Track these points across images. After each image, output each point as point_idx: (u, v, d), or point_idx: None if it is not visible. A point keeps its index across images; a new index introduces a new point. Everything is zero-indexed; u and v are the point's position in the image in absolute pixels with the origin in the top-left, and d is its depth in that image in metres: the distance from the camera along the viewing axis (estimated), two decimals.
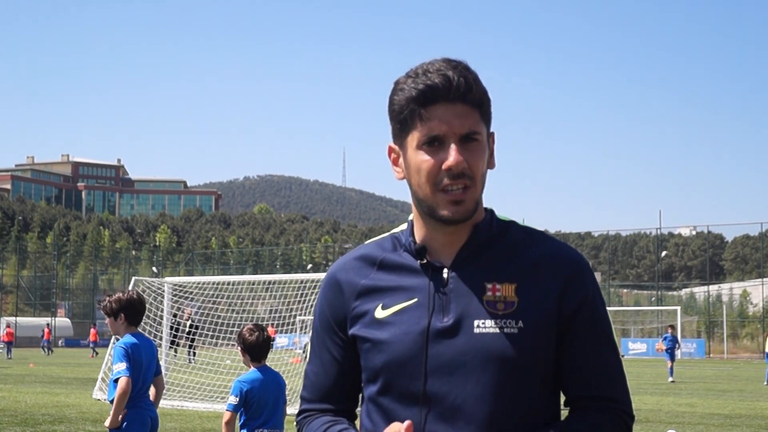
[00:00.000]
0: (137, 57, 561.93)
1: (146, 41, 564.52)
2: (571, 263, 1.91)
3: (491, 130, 1.95)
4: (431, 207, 1.86)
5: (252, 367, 6.10)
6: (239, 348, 6.16)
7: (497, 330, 1.83)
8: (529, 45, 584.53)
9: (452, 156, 1.81)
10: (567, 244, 1.97)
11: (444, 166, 1.82)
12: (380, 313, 1.91)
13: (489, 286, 1.87)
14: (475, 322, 1.84)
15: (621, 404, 1.90)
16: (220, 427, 6.03)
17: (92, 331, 51.46)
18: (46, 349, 50.20)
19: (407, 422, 1.77)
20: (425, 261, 1.91)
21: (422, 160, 1.84)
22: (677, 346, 29.25)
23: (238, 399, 5.91)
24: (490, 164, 1.94)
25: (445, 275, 1.89)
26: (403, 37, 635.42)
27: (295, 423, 2.08)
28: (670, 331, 29.39)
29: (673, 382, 26.83)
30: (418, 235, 1.95)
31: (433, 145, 1.84)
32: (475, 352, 1.83)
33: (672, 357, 27.87)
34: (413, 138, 1.86)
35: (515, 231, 1.96)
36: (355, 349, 1.96)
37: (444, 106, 1.83)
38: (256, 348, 6.08)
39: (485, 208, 1.98)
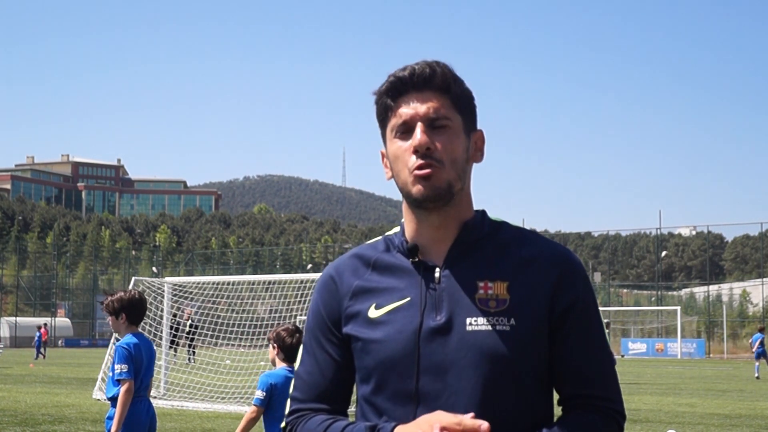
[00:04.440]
0: (137, 57, 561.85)
1: (146, 41, 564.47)
2: (564, 262, 1.92)
3: (478, 127, 1.99)
4: (408, 191, 1.89)
5: (279, 365, 6.03)
6: (274, 346, 6.03)
7: (489, 327, 1.83)
8: (530, 45, 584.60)
9: (417, 136, 1.86)
10: (559, 243, 1.98)
11: (410, 148, 1.87)
12: (373, 313, 1.91)
13: (481, 284, 1.87)
14: (468, 320, 1.84)
15: (613, 403, 1.91)
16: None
17: (42, 331, 42.75)
18: None
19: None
20: (417, 260, 1.92)
21: (396, 147, 1.90)
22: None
23: (265, 393, 5.79)
24: (476, 158, 1.98)
25: (437, 273, 1.90)
26: (403, 37, 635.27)
27: (284, 423, 2.02)
28: (761, 331, 30.00)
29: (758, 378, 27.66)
30: (409, 235, 1.97)
31: (405, 132, 1.89)
32: (468, 349, 1.83)
33: (759, 356, 28.40)
34: (389, 131, 1.93)
35: (507, 230, 1.97)
36: (350, 349, 1.96)
37: (411, 95, 1.90)
38: (294, 350, 5.99)
39: (477, 210, 1.99)
